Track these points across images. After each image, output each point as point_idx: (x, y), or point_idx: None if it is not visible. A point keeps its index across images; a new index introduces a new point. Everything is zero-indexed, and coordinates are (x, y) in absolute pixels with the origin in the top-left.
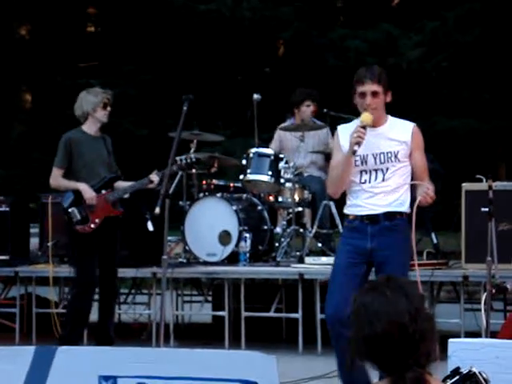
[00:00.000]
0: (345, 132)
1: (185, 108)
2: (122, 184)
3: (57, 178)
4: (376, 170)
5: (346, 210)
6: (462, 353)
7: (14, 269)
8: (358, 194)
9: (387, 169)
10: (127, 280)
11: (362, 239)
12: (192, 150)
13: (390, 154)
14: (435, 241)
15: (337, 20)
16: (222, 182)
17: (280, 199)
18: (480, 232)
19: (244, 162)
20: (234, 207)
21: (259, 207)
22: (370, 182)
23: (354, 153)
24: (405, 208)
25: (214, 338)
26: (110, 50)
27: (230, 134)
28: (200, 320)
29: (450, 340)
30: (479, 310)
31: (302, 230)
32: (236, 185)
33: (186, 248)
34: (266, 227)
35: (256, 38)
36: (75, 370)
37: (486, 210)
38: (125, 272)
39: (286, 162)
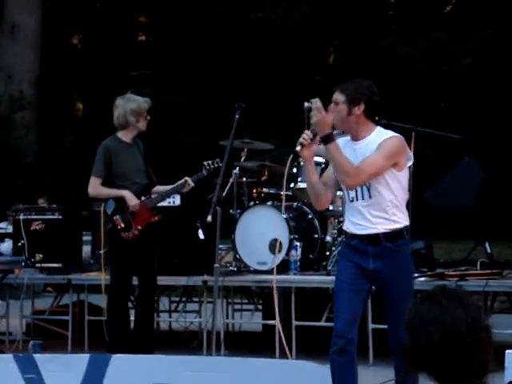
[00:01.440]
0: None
1: (237, 116)
2: (158, 189)
3: (97, 187)
4: (361, 186)
5: (345, 228)
6: None
7: (67, 276)
8: (351, 211)
9: (370, 184)
10: (178, 288)
11: (363, 259)
12: (242, 159)
13: None
14: (489, 250)
15: (388, 28)
16: (272, 191)
17: (330, 208)
18: None
19: (295, 170)
20: (285, 216)
21: (310, 216)
22: (357, 199)
23: (296, 153)
24: (401, 224)
25: (264, 346)
26: (161, 58)
27: (280, 142)
28: (250, 329)
29: (507, 351)
30: None
31: None
32: (287, 193)
33: (237, 256)
34: (316, 236)
35: (307, 46)
36: (129, 378)
37: None
38: (176, 280)
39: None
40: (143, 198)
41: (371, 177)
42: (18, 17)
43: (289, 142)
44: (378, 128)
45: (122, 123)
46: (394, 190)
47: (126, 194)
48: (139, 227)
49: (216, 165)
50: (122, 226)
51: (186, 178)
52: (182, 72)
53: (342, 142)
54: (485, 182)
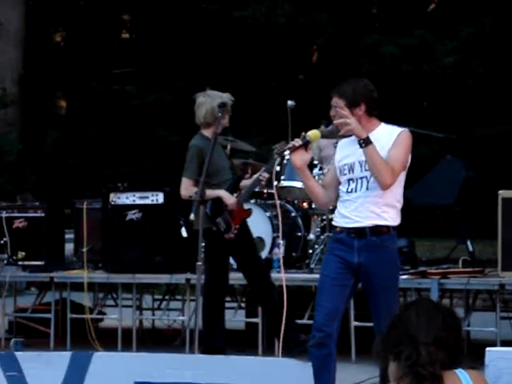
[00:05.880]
0: (342, 146)
1: (220, 114)
2: (244, 183)
3: (191, 189)
4: (361, 178)
5: (334, 222)
6: (500, 362)
7: (49, 274)
8: (345, 204)
9: (369, 177)
10: (161, 286)
11: (349, 253)
12: None
13: None
14: (471, 248)
15: (372, 26)
16: (256, 189)
17: (314, 206)
18: None
19: (278, 168)
20: (268, 214)
21: (293, 214)
22: (355, 191)
23: (281, 156)
24: (389, 222)
25: (247, 344)
26: (144, 56)
27: (264, 140)
28: (233, 327)
29: (488, 349)
30: None
31: None
32: (270, 191)
33: None
34: (299, 234)
35: (290, 45)
36: (111, 376)
37: None
38: (159, 278)
39: (320, 169)
40: (235, 195)
41: (400, 173)
42: (1, 14)
43: (272, 141)
44: (383, 123)
45: (209, 120)
46: (392, 187)
47: (223, 193)
48: (237, 226)
49: (283, 144)
50: (224, 227)
51: (263, 167)
52: (166, 70)
53: (347, 142)
54: (467, 180)
